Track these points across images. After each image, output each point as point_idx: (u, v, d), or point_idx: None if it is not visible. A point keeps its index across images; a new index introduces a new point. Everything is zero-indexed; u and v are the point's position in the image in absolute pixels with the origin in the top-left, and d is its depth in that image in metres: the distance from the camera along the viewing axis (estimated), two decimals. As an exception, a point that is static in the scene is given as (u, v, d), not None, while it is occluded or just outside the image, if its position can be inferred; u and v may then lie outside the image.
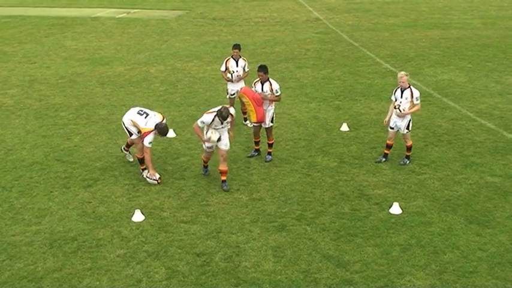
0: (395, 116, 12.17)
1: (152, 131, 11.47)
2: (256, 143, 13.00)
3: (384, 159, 12.60)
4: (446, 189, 11.32)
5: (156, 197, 11.14)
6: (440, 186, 11.45)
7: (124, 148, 12.66)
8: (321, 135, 14.22)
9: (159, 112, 12.30)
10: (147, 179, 11.68)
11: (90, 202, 10.98)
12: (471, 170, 12.15)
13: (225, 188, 11.32)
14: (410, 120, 12.19)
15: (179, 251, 9.34)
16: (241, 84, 14.50)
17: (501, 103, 16.51)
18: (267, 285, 8.46)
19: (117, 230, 9.96)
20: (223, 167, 11.31)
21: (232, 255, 9.20)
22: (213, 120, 11.08)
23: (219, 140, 11.13)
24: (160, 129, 11.51)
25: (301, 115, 15.71)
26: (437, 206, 10.66)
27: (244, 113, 14.75)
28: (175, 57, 22.75)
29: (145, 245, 9.50)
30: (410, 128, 12.27)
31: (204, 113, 11.38)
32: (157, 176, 11.65)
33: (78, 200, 11.07)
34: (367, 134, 14.30)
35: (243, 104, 13.63)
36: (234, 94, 14.68)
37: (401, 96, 11.99)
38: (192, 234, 9.84)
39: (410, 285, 8.43)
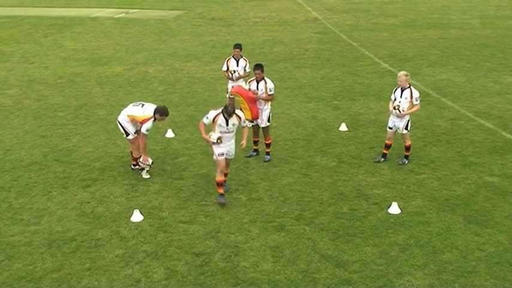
0: (394, 116, 12.17)
1: (150, 118, 11.48)
2: (255, 143, 13.00)
3: (382, 159, 12.60)
4: (445, 189, 11.33)
5: (155, 197, 11.14)
6: (439, 186, 11.46)
7: (133, 166, 12.19)
8: (320, 135, 14.22)
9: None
10: (140, 164, 11.79)
11: (88, 202, 10.97)
12: (470, 170, 12.16)
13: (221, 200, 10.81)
14: (409, 120, 12.19)
15: (178, 251, 9.33)
16: (241, 84, 14.49)
17: (500, 103, 16.52)
18: (266, 285, 8.46)
19: (116, 230, 9.96)
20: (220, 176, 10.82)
21: (231, 255, 9.20)
22: (216, 116, 10.58)
23: (219, 139, 10.57)
24: (160, 109, 11.54)
25: (300, 115, 15.71)
26: (436, 206, 10.67)
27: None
28: (174, 57, 22.74)
29: (144, 245, 9.50)
30: (409, 128, 12.27)
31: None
32: (150, 161, 11.76)
33: (76, 200, 11.07)
34: (366, 133, 14.30)
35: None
36: (234, 94, 14.70)
37: (401, 96, 11.99)
38: (191, 234, 9.83)
39: (409, 285, 8.43)
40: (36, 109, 16.49)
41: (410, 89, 12.00)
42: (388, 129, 12.42)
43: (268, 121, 12.66)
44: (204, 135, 10.76)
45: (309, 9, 35.12)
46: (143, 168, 11.92)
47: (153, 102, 16.71)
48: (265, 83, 12.44)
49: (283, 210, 10.59)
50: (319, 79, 19.33)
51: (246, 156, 12.93)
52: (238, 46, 14.85)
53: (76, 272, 8.80)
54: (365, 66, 20.93)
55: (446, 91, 17.72)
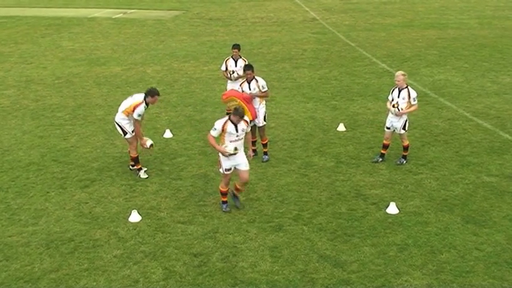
0: (392, 116, 12.18)
1: (141, 102, 11.56)
2: (253, 143, 13.00)
3: (380, 159, 12.61)
4: (443, 189, 11.34)
5: (153, 198, 11.13)
6: (437, 186, 11.47)
7: (131, 166, 12.21)
8: (318, 136, 14.23)
9: None
10: (141, 147, 11.87)
11: (86, 203, 10.96)
12: (468, 170, 12.17)
13: (237, 204, 10.78)
14: (406, 120, 12.20)
15: (176, 251, 9.33)
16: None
17: (497, 103, 16.54)
18: (264, 286, 8.46)
19: (114, 231, 9.95)
20: (242, 187, 10.69)
21: (229, 256, 9.19)
22: (225, 124, 10.11)
23: (236, 150, 10.13)
24: (150, 91, 11.68)
25: (298, 115, 15.71)
26: (434, 206, 10.68)
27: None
28: (172, 58, 22.73)
29: (142, 246, 9.49)
30: (406, 128, 12.28)
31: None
32: (149, 143, 11.84)
33: (74, 200, 11.06)
34: (364, 134, 14.31)
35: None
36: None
37: (399, 96, 12.00)
38: (189, 234, 9.83)
39: (407, 285, 8.43)
40: (34, 109, 16.47)
41: (408, 89, 12.00)
42: (386, 129, 12.43)
43: (265, 120, 12.69)
44: (218, 147, 10.21)
45: (307, 9, 35.13)
46: (141, 168, 11.92)
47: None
48: (257, 81, 12.47)
49: (281, 211, 10.59)
50: (317, 79, 19.34)
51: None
52: (236, 46, 14.87)
53: (74, 272, 8.80)
54: (363, 67, 20.93)
55: (444, 91, 17.74)
